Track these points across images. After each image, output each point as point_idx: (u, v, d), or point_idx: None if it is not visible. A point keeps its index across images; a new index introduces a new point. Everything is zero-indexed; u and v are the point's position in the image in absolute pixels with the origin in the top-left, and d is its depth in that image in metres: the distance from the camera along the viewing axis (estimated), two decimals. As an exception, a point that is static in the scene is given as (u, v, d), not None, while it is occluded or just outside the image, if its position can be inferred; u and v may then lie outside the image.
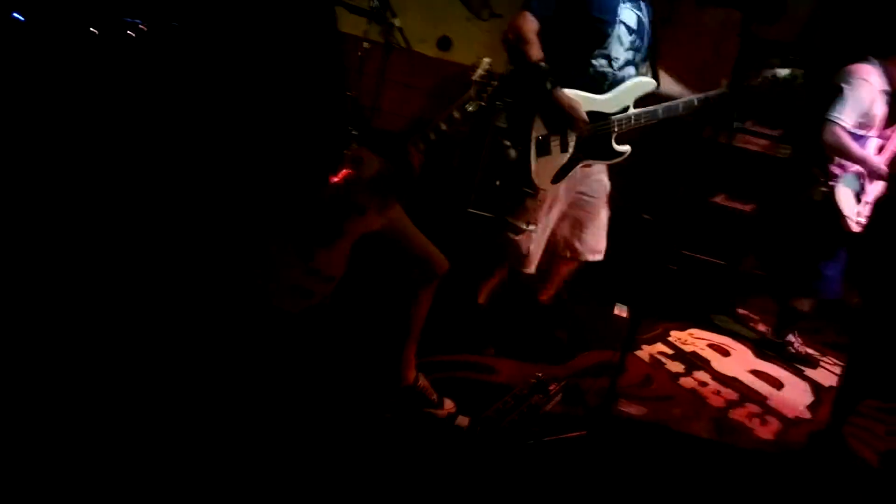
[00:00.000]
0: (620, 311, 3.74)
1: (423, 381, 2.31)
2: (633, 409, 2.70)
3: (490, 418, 2.33)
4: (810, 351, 3.69)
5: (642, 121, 2.56)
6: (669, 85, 2.72)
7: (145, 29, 2.25)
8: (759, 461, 2.59)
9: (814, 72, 3.50)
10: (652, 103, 2.61)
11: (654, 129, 2.81)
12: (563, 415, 2.50)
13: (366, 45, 3.73)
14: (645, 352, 3.32)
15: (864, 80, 3.23)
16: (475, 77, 2.02)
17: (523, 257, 2.77)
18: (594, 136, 2.55)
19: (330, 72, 1.89)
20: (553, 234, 2.87)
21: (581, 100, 2.48)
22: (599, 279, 4.03)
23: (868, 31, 3.56)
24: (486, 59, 2.04)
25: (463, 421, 2.30)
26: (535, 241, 2.76)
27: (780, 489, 2.42)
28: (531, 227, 2.71)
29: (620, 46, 2.52)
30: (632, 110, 2.56)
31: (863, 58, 3.35)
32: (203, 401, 1.99)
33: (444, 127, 2.00)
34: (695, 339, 3.65)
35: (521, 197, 2.66)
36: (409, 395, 2.28)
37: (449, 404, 2.34)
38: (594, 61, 2.50)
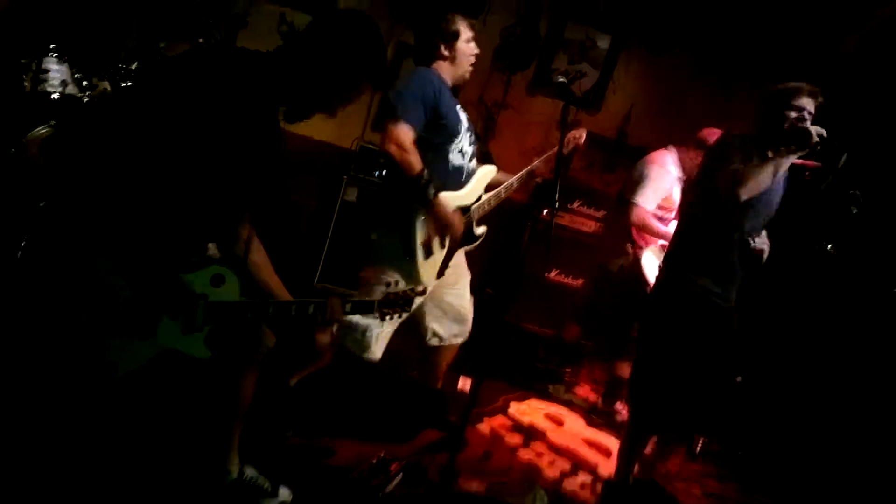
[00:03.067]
0: (464, 384, 3.79)
1: (250, 472, 2.15)
2: (474, 485, 2.71)
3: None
4: (635, 418, 3.94)
5: (493, 203, 2.83)
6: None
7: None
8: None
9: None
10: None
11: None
12: (404, 495, 2.46)
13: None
14: (486, 424, 3.38)
15: (662, 167, 3.68)
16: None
17: (369, 344, 2.71)
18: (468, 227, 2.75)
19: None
20: (418, 325, 2.93)
21: (452, 200, 2.65)
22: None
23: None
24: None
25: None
26: (385, 329, 2.71)
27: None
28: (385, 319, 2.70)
29: (466, 141, 2.74)
30: (483, 196, 2.82)
31: (664, 146, 3.84)
32: None
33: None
34: (533, 410, 3.77)
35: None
36: (237, 489, 2.11)
37: (284, 493, 2.20)
38: (451, 156, 2.69)
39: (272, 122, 1.89)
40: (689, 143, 3.76)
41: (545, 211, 2.50)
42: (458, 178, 2.73)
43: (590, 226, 4.51)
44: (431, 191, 2.53)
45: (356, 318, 2.67)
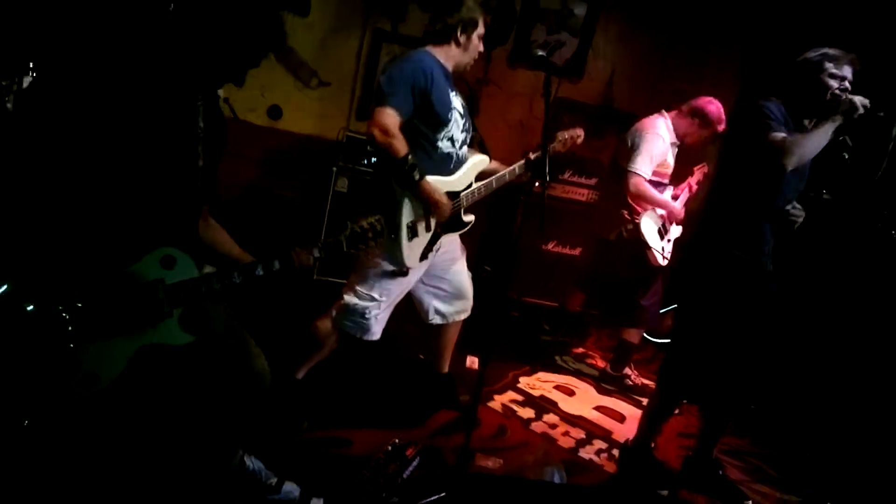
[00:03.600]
0: (472, 362, 3.82)
1: (251, 462, 2.15)
2: (490, 463, 2.74)
3: (346, 496, 2.26)
4: (645, 381, 3.97)
5: (483, 192, 2.86)
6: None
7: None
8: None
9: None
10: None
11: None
12: (422, 478, 2.48)
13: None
14: (497, 402, 3.40)
15: (656, 133, 3.66)
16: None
17: (368, 325, 2.75)
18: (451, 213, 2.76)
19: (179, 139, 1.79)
20: (420, 305, 3.00)
21: (440, 185, 2.67)
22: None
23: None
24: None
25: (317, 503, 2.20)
26: (383, 309, 2.77)
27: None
28: (382, 299, 2.72)
29: (457, 129, 2.75)
30: (474, 185, 2.84)
31: (656, 112, 3.81)
32: None
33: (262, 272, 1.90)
34: (542, 383, 3.80)
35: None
36: (240, 479, 2.09)
37: (289, 487, 2.19)
38: (440, 143, 2.70)
39: (192, 104, 1.82)
40: (682, 110, 3.75)
41: (536, 184, 2.49)
42: (446, 166, 2.74)
43: (582, 194, 4.51)
44: (416, 174, 2.54)
45: (353, 299, 2.72)
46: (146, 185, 1.75)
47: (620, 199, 3.75)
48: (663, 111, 3.81)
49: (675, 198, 3.79)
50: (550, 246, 4.50)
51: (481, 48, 2.77)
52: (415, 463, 2.52)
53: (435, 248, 2.80)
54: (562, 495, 2.62)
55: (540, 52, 2.42)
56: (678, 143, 3.77)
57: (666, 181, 3.79)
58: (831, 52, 2.52)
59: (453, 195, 2.74)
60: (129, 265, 1.73)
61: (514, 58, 4.81)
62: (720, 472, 2.91)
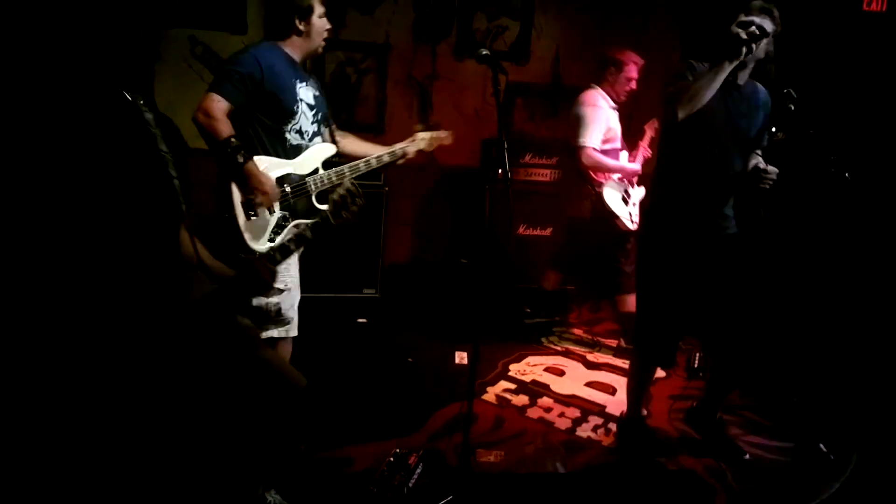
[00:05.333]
0: (461, 358, 3.84)
1: (272, 497, 2.17)
2: (491, 457, 2.77)
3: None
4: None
5: (334, 178, 2.80)
6: (355, 145, 3.01)
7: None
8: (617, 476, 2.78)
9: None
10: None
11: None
12: (427, 485, 2.50)
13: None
14: (490, 394, 3.44)
15: (594, 105, 3.78)
16: None
17: (289, 315, 2.75)
18: (294, 197, 2.71)
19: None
20: None
21: (272, 165, 2.65)
22: (436, 330, 4.16)
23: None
24: None
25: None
26: (293, 300, 2.77)
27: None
28: (287, 287, 2.71)
29: (307, 121, 2.76)
30: (321, 171, 2.80)
31: (587, 86, 3.92)
32: None
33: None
34: (532, 367, 3.85)
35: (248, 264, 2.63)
36: None
37: None
38: (288, 136, 2.71)
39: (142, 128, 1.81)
40: (601, 73, 3.92)
41: (499, 172, 2.49)
42: (295, 156, 2.74)
43: (545, 174, 4.54)
44: (240, 157, 2.54)
45: (260, 301, 2.67)
46: (129, 223, 1.75)
47: (580, 176, 3.85)
48: (591, 83, 3.94)
49: (631, 161, 3.93)
50: (521, 229, 4.54)
51: (328, 25, 2.76)
52: (418, 470, 2.54)
53: (288, 237, 2.62)
54: (565, 485, 2.67)
55: (484, 52, 2.40)
56: (616, 106, 3.93)
57: (618, 145, 3.92)
58: (752, 4, 2.54)
59: (294, 177, 2.70)
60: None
61: (459, 50, 4.81)
62: (723, 432, 2.99)
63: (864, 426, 3.17)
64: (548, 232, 4.58)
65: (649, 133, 3.99)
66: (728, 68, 2.43)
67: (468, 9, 4.77)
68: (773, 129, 3.05)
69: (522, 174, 4.48)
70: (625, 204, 3.86)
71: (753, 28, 2.42)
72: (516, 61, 4.92)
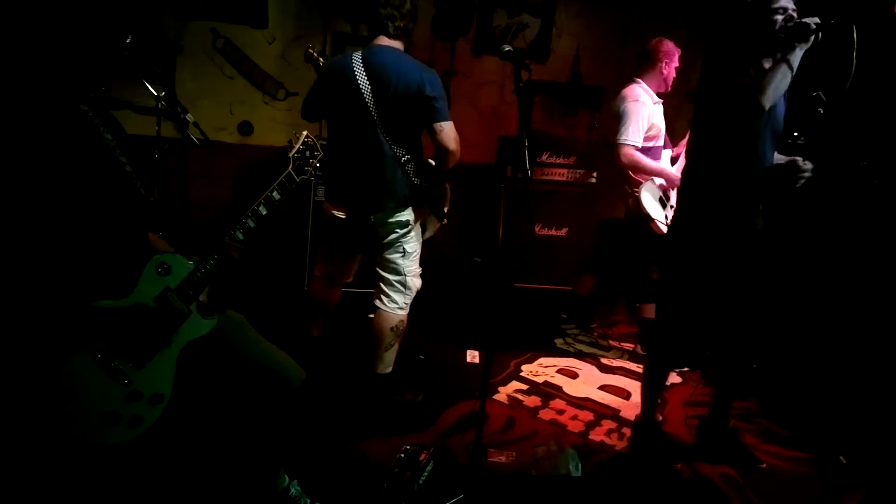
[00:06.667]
0: (472, 357, 3.80)
1: (294, 489, 2.15)
2: (502, 458, 2.73)
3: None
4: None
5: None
6: None
7: None
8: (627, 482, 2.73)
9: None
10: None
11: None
12: (438, 482, 2.46)
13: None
14: (502, 394, 3.40)
15: (636, 100, 3.67)
16: (293, 153, 1.96)
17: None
18: None
19: (97, 180, 1.74)
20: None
21: None
22: (448, 328, 4.13)
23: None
24: (305, 132, 2.00)
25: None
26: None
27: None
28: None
29: None
30: None
31: (630, 80, 3.83)
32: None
33: (264, 211, 1.91)
34: (544, 369, 3.79)
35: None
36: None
37: None
38: None
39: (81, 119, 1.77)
40: (646, 67, 3.80)
41: (519, 175, 2.44)
42: None
43: (562, 174, 4.50)
44: None
45: (418, 281, 3.02)
46: (94, 217, 1.73)
47: (619, 175, 3.77)
48: (633, 78, 3.83)
49: (675, 159, 3.82)
50: (537, 229, 4.49)
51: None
52: (429, 468, 2.50)
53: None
54: (577, 488, 2.62)
55: (507, 48, 2.36)
56: (660, 100, 3.81)
57: (660, 143, 3.80)
58: None
59: None
60: (125, 293, 1.73)
61: (478, 46, 4.77)
62: (737, 440, 2.93)
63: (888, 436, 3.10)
64: (563, 232, 4.54)
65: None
66: (800, 54, 2.39)
67: (489, 5, 4.74)
68: (795, 134, 3.00)
69: (539, 173, 4.44)
70: (662, 207, 3.72)
71: (791, 12, 2.40)
72: (537, 59, 4.87)
